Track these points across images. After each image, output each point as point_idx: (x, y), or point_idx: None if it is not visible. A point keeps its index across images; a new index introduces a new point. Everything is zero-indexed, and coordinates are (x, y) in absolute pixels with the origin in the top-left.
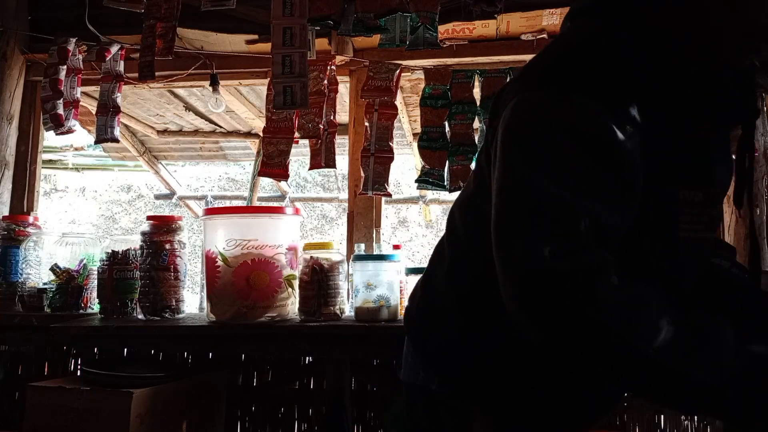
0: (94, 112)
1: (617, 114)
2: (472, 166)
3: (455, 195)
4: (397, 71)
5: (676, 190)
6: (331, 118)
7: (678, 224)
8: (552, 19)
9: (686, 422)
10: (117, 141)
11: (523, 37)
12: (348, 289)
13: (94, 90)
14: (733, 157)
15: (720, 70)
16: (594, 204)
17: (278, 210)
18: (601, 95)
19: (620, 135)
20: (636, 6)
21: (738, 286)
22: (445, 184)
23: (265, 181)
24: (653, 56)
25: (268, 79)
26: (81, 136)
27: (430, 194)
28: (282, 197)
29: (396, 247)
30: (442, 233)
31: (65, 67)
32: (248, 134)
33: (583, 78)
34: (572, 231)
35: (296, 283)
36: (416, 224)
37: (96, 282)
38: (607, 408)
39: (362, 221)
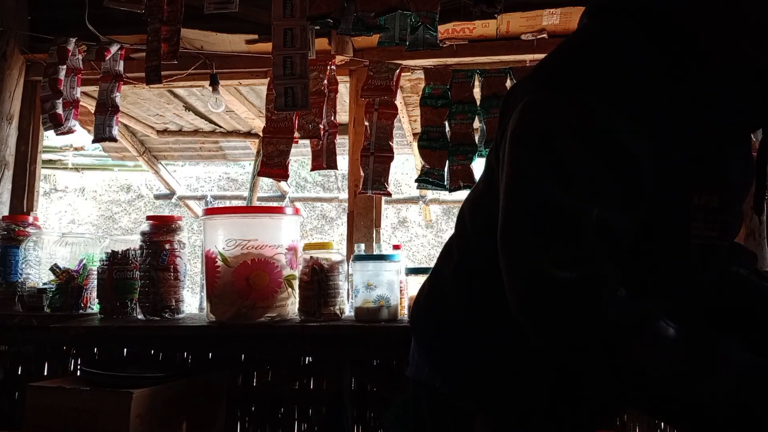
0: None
1: (626, 115)
2: (473, 165)
3: (455, 195)
4: (397, 71)
5: (690, 194)
6: (332, 118)
7: (690, 229)
8: (552, 19)
9: None
10: (115, 140)
11: (523, 37)
12: (348, 289)
13: (94, 90)
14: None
15: (738, 71)
16: (600, 208)
17: (278, 210)
18: (610, 97)
19: (628, 137)
20: (651, 5)
21: (756, 294)
22: (445, 184)
23: (265, 181)
24: (666, 56)
25: (268, 79)
26: (81, 136)
27: (430, 194)
28: (282, 197)
29: (396, 247)
30: (442, 233)
31: (65, 66)
32: (248, 134)
33: (592, 79)
34: (577, 237)
35: (296, 283)
36: (416, 224)
37: (96, 282)
38: (610, 412)
39: (362, 221)
